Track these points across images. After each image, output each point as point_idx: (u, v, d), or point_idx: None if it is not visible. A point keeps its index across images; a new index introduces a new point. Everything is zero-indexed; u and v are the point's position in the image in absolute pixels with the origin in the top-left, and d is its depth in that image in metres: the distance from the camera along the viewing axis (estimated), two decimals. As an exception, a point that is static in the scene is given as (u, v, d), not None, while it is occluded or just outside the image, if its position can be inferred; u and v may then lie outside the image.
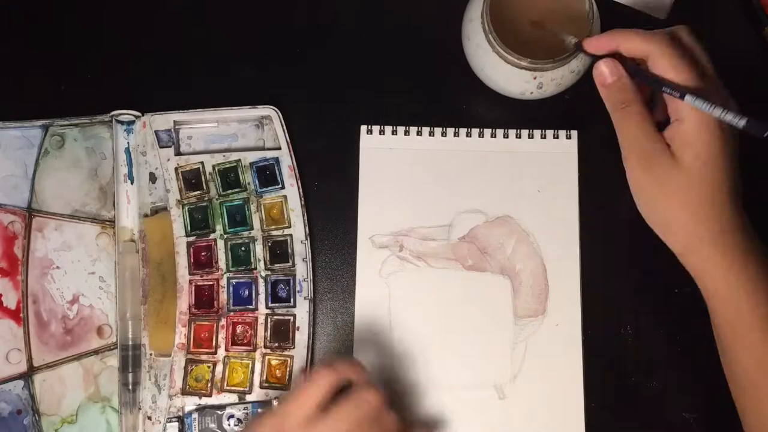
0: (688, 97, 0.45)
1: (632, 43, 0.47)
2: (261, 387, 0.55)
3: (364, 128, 0.58)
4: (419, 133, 0.58)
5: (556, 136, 0.58)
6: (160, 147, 0.57)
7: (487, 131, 0.58)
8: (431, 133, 0.58)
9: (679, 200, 0.46)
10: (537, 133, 0.58)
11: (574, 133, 0.58)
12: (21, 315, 0.55)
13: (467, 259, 0.56)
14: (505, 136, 0.58)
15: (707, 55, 0.49)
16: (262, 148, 0.58)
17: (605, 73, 0.48)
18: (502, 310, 0.55)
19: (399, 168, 0.57)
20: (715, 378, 0.52)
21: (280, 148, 0.57)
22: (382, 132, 0.58)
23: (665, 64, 0.46)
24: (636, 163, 0.47)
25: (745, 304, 0.45)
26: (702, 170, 0.45)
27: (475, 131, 0.58)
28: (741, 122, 0.44)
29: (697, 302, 0.55)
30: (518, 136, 0.58)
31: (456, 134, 0.58)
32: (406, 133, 0.58)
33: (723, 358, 0.48)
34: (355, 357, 0.55)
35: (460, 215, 0.57)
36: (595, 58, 0.49)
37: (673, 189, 0.46)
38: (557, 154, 0.57)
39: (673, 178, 0.46)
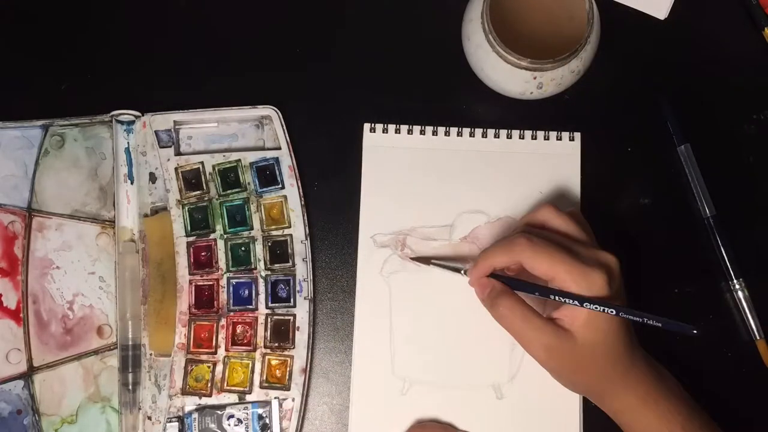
0: (587, 305, 0.46)
1: (499, 260, 0.49)
2: (261, 387, 0.55)
3: (367, 126, 0.58)
4: (422, 132, 0.58)
5: (559, 138, 0.58)
6: (160, 147, 0.57)
7: (490, 131, 0.58)
8: (434, 132, 0.58)
9: (587, 369, 0.49)
10: (540, 134, 0.58)
11: (578, 135, 0.58)
12: (21, 315, 0.55)
13: (468, 259, 0.56)
14: (509, 136, 0.58)
15: (578, 225, 0.50)
16: (262, 148, 0.58)
17: (477, 290, 0.51)
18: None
19: (401, 167, 0.57)
20: (715, 378, 0.52)
21: (280, 148, 0.57)
22: (385, 130, 0.58)
23: (542, 269, 0.47)
24: (537, 354, 0.48)
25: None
26: (600, 341, 0.48)
27: (477, 131, 0.58)
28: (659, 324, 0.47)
29: (697, 302, 0.55)
30: (521, 137, 0.58)
31: (459, 134, 0.58)
32: (409, 131, 0.58)
33: None
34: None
35: (462, 215, 0.57)
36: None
37: (578, 363, 0.48)
38: (560, 155, 0.57)
39: (576, 355, 0.48)
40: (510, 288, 0.49)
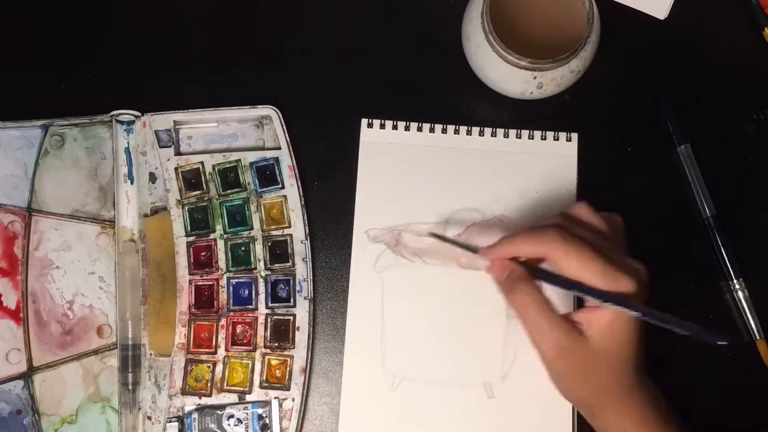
0: (610, 305, 0.44)
1: (525, 249, 0.47)
2: (261, 387, 0.55)
3: (364, 122, 0.58)
4: (419, 129, 0.58)
5: (556, 138, 0.58)
6: (160, 147, 0.57)
7: (487, 130, 0.58)
8: (431, 130, 0.58)
9: (591, 378, 0.47)
10: (537, 134, 0.58)
11: (575, 136, 0.58)
12: (21, 315, 0.55)
13: (462, 257, 0.56)
14: (505, 135, 0.58)
15: (613, 228, 0.49)
16: (262, 148, 0.58)
17: (494, 271, 0.49)
18: (494, 310, 0.55)
19: (397, 163, 0.57)
20: (715, 378, 0.52)
21: (280, 148, 0.57)
22: (382, 126, 0.58)
23: (571, 266, 0.45)
24: (547, 351, 0.46)
25: None
26: (614, 351, 0.46)
27: (475, 129, 0.58)
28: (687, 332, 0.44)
29: (697, 302, 0.55)
30: (518, 137, 0.58)
31: (456, 132, 0.58)
32: (407, 128, 0.58)
33: None
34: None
35: (457, 213, 0.57)
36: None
37: (586, 370, 0.47)
38: (556, 156, 0.57)
39: (586, 360, 0.46)
40: (531, 277, 0.47)
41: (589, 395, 0.48)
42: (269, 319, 0.55)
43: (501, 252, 0.48)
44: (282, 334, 0.55)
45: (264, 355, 0.55)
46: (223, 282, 0.56)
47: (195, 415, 0.54)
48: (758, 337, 0.55)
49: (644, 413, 0.47)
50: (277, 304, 0.55)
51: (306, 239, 0.56)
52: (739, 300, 0.55)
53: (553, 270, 0.47)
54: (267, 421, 0.54)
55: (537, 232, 0.47)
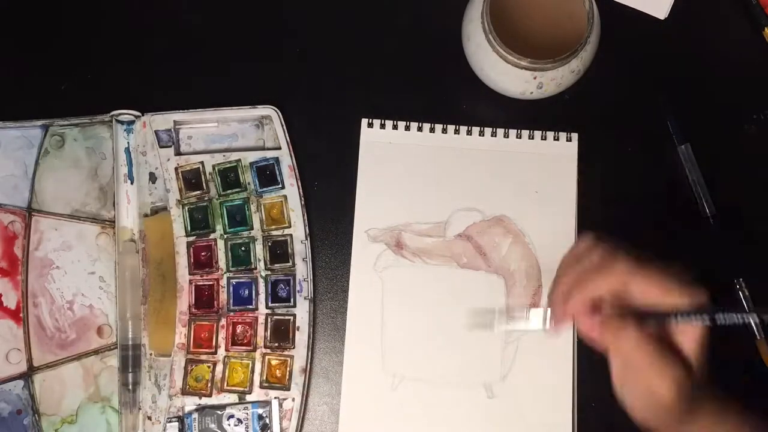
0: (699, 320, 0.42)
1: (599, 286, 0.43)
2: (261, 387, 0.55)
3: (364, 122, 0.58)
4: (419, 129, 0.58)
5: (556, 138, 0.58)
6: (160, 147, 0.57)
7: (488, 130, 0.58)
8: (431, 130, 0.58)
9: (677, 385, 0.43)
10: (537, 134, 0.58)
11: (575, 136, 0.58)
12: (21, 315, 0.55)
13: (462, 256, 0.56)
14: (505, 135, 0.58)
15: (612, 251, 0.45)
16: (262, 148, 0.58)
17: (584, 327, 0.44)
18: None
19: (398, 163, 0.57)
20: (715, 378, 0.52)
21: (280, 148, 0.57)
22: (382, 126, 0.58)
23: (654, 291, 0.42)
24: (668, 390, 0.42)
25: None
26: (703, 367, 0.43)
27: (475, 129, 0.58)
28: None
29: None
30: (518, 136, 0.58)
31: (456, 132, 0.58)
32: (407, 128, 0.58)
33: None
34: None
35: (457, 213, 0.57)
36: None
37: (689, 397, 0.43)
38: (557, 156, 0.57)
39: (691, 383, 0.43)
40: (631, 315, 0.43)
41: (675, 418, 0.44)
42: (269, 319, 0.55)
43: (577, 303, 0.44)
44: (282, 334, 0.55)
45: (264, 355, 0.55)
46: (223, 282, 0.55)
47: (195, 415, 0.54)
48: (759, 337, 0.55)
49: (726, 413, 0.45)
50: (277, 304, 0.55)
51: (306, 239, 0.56)
52: (740, 299, 0.55)
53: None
54: (267, 421, 0.54)
55: (601, 266, 0.44)
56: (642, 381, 0.43)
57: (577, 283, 0.44)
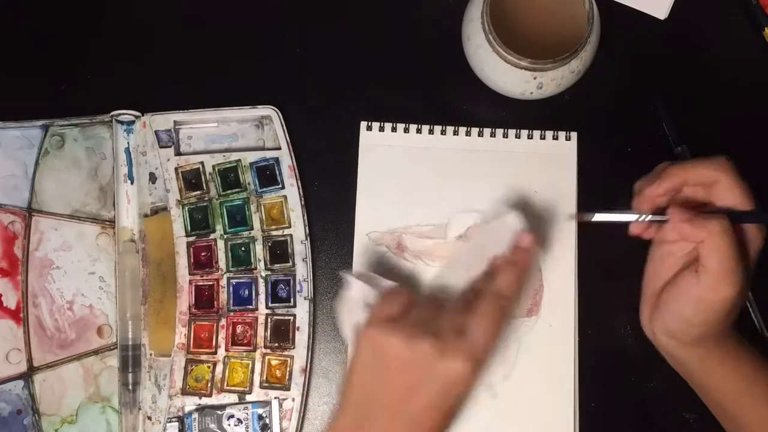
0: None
1: (698, 174, 0.49)
2: (261, 387, 0.55)
3: (363, 124, 0.58)
4: (419, 131, 0.58)
5: (555, 137, 0.58)
6: (160, 147, 0.57)
7: (487, 131, 0.58)
8: (431, 131, 0.58)
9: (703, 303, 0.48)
10: (536, 133, 0.58)
11: (574, 135, 0.58)
12: (21, 315, 0.55)
13: (463, 258, 0.56)
14: (505, 135, 0.58)
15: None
16: (262, 148, 0.58)
17: (681, 220, 0.48)
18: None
19: (397, 165, 0.57)
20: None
21: (280, 148, 0.57)
22: (381, 129, 0.58)
23: (741, 191, 0.49)
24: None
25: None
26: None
27: (474, 130, 0.58)
28: None
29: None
30: (518, 136, 0.58)
31: (455, 133, 0.58)
32: (406, 130, 0.58)
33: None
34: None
35: (457, 214, 0.57)
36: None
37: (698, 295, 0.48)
38: (556, 155, 0.57)
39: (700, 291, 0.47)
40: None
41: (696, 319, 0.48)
42: (269, 319, 0.55)
43: (672, 182, 0.49)
44: (282, 334, 0.55)
45: (264, 355, 0.55)
46: (223, 282, 0.56)
47: (195, 415, 0.54)
48: (765, 334, 0.55)
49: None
50: (277, 304, 0.55)
51: (306, 239, 0.56)
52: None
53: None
54: (267, 421, 0.54)
55: (704, 159, 0.49)
56: (705, 285, 0.47)
57: (674, 167, 0.49)
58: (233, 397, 0.54)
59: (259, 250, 0.56)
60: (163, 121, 0.57)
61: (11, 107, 0.58)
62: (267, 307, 0.55)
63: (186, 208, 0.56)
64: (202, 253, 0.56)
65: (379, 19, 0.60)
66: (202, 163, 0.57)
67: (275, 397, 0.54)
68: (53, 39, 0.60)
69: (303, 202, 0.56)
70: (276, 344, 0.55)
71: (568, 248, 0.56)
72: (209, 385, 0.54)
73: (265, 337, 0.55)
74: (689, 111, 0.58)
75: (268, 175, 0.57)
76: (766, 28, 0.59)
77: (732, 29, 0.60)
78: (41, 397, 0.54)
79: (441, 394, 0.42)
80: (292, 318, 0.55)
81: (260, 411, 0.54)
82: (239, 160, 0.57)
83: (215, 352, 0.55)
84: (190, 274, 0.55)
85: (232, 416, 0.54)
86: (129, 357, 0.55)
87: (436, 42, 0.58)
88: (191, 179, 0.57)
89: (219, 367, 0.55)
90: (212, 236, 0.56)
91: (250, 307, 0.55)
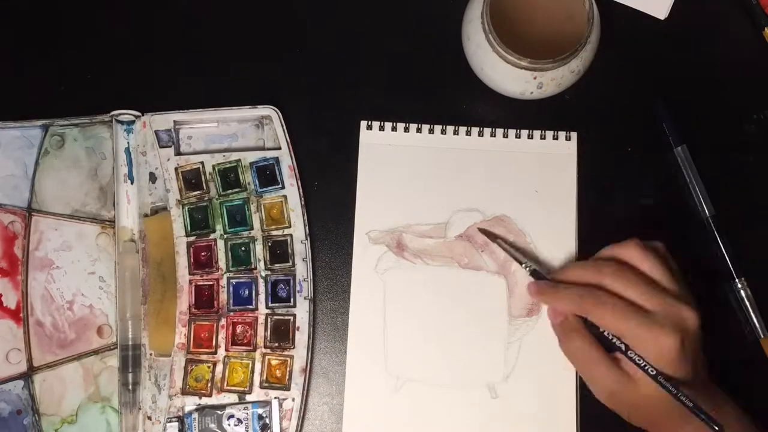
0: (651, 370, 0.47)
1: (567, 307, 0.51)
2: (261, 387, 0.55)
3: (363, 124, 0.58)
4: (419, 131, 0.58)
5: (555, 137, 0.58)
6: (160, 147, 0.57)
7: (487, 130, 0.58)
8: (431, 131, 0.58)
9: (647, 414, 0.49)
10: (536, 133, 0.58)
11: (574, 135, 0.58)
12: (21, 315, 0.55)
13: (463, 257, 0.56)
14: (505, 135, 0.58)
15: (663, 268, 0.50)
16: (262, 148, 0.58)
17: (550, 315, 0.52)
18: (496, 310, 0.55)
19: (397, 165, 0.57)
20: (720, 377, 0.52)
21: (280, 148, 0.57)
22: (381, 128, 0.58)
23: (610, 327, 0.49)
24: (599, 395, 0.50)
25: None
26: (664, 397, 0.47)
27: (474, 130, 0.58)
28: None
29: (698, 302, 0.55)
30: (518, 136, 0.58)
31: (456, 132, 0.58)
32: (406, 129, 0.58)
33: None
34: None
35: (457, 213, 0.57)
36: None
37: (637, 408, 0.49)
38: (556, 155, 0.57)
39: (636, 400, 0.49)
40: (584, 327, 0.50)
41: (646, 425, 0.50)
42: (269, 319, 0.55)
43: (547, 302, 0.53)
44: (282, 334, 0.55)
45: (264, 355, 0.55)
46: (223, 282, 0.55)
47: (195, 415, 0.54)
48: (762, 336, 0.55)
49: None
50: (277, 304, 0.55)
51: (306, 239, 0.56)
52: (742, 299, 0.56)
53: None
54: (267, 421, 0.54)
55: (578, 291, 0.50)
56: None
57: (554, 292, 0.51)
58: (233, 397, 0.54)
59: (259, 250, 0.56)
60: (163, 121, 0.57)
61: (11, 107, 0.58)
62: (267, 307, 0.55)
63: (186, 208, 0.56)
64: (202, 253, 0.56)
65: (379, 18, 0.60)
66: (202, 163, 0.57)
67: (275, 397, 0.54)
68: (53, 39, 0.60)
69: (303, 202, 0.56)
70: (276, 344, 0.55)
71: (568, 248, 0.56)
72: (209, 385, 0.54)
73: (265, 337, 0.55)
74: (689, 111, 0.58)
75: (268, 174, 0.57)
76: (766, 28, 0.59)
77: (732, 29, 0.60)
78: (41, 397, 0.54)
79: None
80: (292, 318, 0.55)
81: (260, 411, 0.54)
82: (239, 160, 0.57)
83: (215, 352, 0.55)
84: (190, 274, 0.55)
85: (232, 416, 0.54)
86: (129, 357, 0.55)
87: (436, 42, 0.59)
88: (191, 179, 0.57)
89: (219, 367, 0.55)
90: (212, 236, 0.56)
91: (250, 307, 0.55)
